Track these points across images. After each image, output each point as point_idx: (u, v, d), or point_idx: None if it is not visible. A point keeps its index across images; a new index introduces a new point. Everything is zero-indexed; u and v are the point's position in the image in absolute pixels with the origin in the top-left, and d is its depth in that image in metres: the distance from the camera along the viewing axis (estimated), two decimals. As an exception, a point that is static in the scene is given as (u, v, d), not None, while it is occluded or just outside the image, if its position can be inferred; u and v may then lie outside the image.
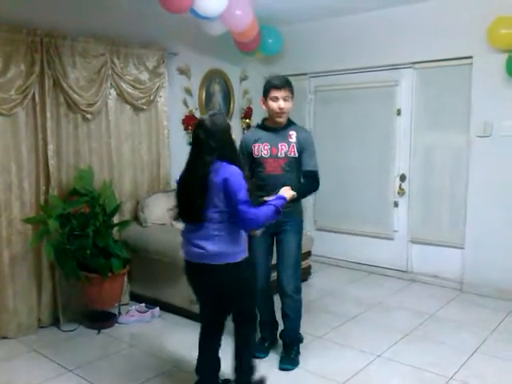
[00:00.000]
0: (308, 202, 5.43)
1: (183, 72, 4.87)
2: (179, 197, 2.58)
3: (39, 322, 3.80)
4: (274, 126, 3.14)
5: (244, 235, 2.60)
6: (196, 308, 3.83)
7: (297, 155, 3.09)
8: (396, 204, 4.99)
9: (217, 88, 5.27)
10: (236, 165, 2.48)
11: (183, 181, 2.56)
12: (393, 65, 4.86)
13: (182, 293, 3.83)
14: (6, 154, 3.54)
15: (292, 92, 3.11)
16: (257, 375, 2.81)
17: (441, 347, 3.43)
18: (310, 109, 5.54)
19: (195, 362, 2.77)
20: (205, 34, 4.38)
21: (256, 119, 5.64)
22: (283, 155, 3.07)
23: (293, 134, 3.10)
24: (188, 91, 4.94)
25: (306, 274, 4.84)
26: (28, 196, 3.68)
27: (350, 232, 5.31)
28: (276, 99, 3.05)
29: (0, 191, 3.52)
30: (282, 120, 3.11)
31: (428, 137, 4.76)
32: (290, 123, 3.18)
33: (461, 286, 4.58)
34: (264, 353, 3.33)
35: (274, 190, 2.87)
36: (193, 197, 2.44)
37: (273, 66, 5.70)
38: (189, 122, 4.88)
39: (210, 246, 2.46)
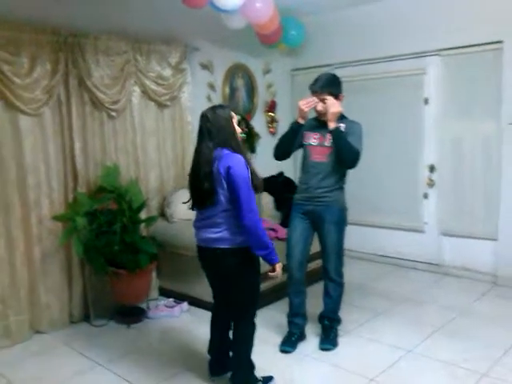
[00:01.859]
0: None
1: (206, 67, 4.86)
2: (190, 185, 2.66)
3: (71, 317, 3.87)
4: (326, 120, 3.22)
5: None
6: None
7: None
8: (426, 195, 4.88)
9: (240, 82, 5.23)
10: (240, 153, 2.53)
11: (192, 169, 2.65)
12: (419, 53, 4.73)
13: (210, 287, 3.83)
14: (35, 154, 3.60)
15: (331, 92, 3.20)
16: (260, 374, 2.84)
17: (474, 342, 3.33)
18: (336, 100, 5.44)
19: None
20: (226, 28, 4.35)
21: (280, 113, 5.61)
22: (329, 144, 3.21)
23: (341, 126, 3.21)
24: (211, 86, 4.93)
25: (333, 267, 4.79)
26: (57, 194, 3.74)
27: (378, 225, 5.22)
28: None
29: (30, 190, 3.59)
30: (324, 118, 3.20)
31: (457, 126, 4.62)
32: (342, 118, 3.27)
33: (495, 280, 4.45)
34: (291, 347, 3.32)
35: (317, 175, 3.22)
36: (201, 181, 2.51)
37: (297, 58, 5.65)
38: (213, 117, 4.87)
39: (216, 230, 2.56)
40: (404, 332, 3.53)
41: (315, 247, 3.51)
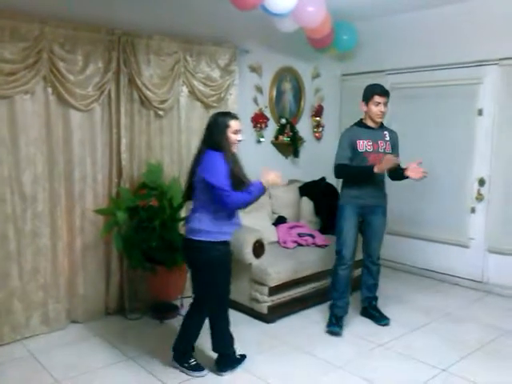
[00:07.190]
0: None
1: (254, 70, 4.87)
2: None
3: (107, 309, 3.97)
4: (372, 126, 3.67)
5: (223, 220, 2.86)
6: (256, 305, 3.85)
7: (390, 151, 3.67)
8: (473, 210, 4.68)
9: (287, 86, 5.22)
10: (220, 150, 2.80)
11: None
12: (476, 61, 4.55)
13: (243, 290, 3.85)
14: (83, 148, 3.73)
15: (389, 98, 3.65)
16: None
17: (514, 366, 3.17)
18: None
19: (255, 356, 3.16)
20: (277, 31, 4.35)
21: (327, 118, 5.56)
22: (382, 150, 3.64)
23: (386, 134, 3.71)
24: (259, 89, 4.93)
25: (372, 278, 4.68)
26: (101, 188, 3.86)
27: (422, 237, 5.06)
28: (378, 104, 3.58)
29: (75, 182, 3.72)
30: (381, 120, 3.69)
31: (512, 139, 4.42)
32: (382, 124, 3.75)
33: (543, 302, 4.22)
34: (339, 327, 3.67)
35: (376, 176, 3.57)
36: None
37: (347, 63, 5.58)
38: (258, 119, 4.88)
39: (190, 223, 2.91)
40: (439, 350, 3.40)
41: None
